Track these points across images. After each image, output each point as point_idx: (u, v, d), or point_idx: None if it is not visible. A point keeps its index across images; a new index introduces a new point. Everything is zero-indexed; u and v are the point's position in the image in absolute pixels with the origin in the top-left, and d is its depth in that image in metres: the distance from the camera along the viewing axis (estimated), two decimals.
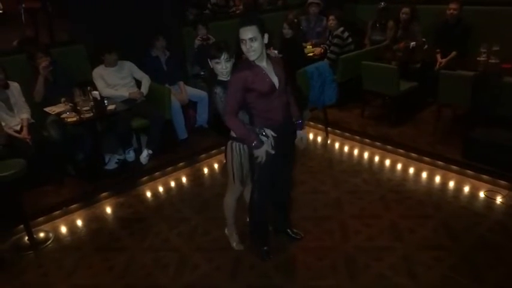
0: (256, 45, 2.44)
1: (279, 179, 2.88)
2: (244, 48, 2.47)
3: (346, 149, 4.78)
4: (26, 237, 3.44)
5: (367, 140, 4.83)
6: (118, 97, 4.45)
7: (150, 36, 4.83)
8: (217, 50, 2.61)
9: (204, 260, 3.12)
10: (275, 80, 2.58)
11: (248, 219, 3.08)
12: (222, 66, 2.63)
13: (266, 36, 2.49)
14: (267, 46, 2.59)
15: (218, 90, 2.63)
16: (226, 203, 3.08)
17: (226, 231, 3.25)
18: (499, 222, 3.35)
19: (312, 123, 5.27)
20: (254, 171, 2.78)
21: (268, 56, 2.63)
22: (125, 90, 4.54)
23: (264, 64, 2.57)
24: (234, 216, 3.12)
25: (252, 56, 2.48)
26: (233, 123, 2.60)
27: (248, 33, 2.41)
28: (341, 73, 5.24)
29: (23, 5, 6.82)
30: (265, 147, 2.61)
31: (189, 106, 5.11)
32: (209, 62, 2.69)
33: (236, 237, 3.20)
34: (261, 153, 2.61)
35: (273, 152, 2.63)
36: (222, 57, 2.60)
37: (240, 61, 2.61)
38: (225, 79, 2.67)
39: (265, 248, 3.06)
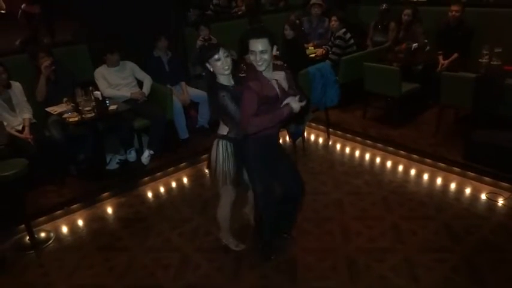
0: (266, 57, 2.45)
1: (286, 189, 2.84)
2: (253, 58, 2.47)
3: (347, 150, 4.77)
4: (27, 237, 3.44)
5: (368, 142, 4.82)
6: (120, 97, 4.46)
7: (152, 37, 4.85)
8: (212, 47, 2.56)
9: (205, 260, 3.12)
10: (278, 90, 2.59)
11: (256, 227, 3.04)
12: (223, 62, 2.55)
13: (275, 47, 2.51)
14: None
15: (224, 93, 2.55)
16: (221, 211, 3.03)
17: (220, 236, 3.20)
18: (500, 224, 3.35)
19: (313, 124, 5.27)
20: (242, 171, 2.80)
21: (274, 66, 2.63)
22: (126, 91, 4.54)
23: (269, 75, 2.58)
24: (229, 223, 3.09)
25: (261, 67, 2.49)
26: (257, 121, 2.48)
27: (259, 45, 2.43)
28: (343, 74, 5.23)
29: (22, 7, 6.72)
30: (291, 101, 2.49)
31: (191, 106, 5.13)
32: (208, 65, 2.60)
33: (233, 240, 3.18)
34: (295, 106, 2.50)
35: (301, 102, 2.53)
36: (221, 52, 2.54)
37: (245, 65, 2.58)
38: (226, 82, 2.62)
39: (272, 257, 3.07)
